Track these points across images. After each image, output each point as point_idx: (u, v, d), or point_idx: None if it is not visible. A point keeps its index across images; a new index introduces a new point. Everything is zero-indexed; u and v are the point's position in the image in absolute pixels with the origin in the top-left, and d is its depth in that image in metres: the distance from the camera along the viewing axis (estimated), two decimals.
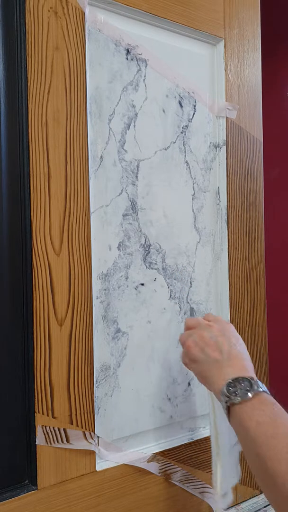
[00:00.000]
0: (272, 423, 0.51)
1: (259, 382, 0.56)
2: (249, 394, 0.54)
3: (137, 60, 0.71)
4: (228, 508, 0.78)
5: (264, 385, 0.56)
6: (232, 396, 0.54)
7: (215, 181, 0.81)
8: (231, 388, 0.55)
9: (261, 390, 0.54)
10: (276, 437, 0.49)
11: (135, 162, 0.71)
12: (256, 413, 0.52)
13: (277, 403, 0.54)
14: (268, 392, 0.56)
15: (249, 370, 0.58)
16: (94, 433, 0.64)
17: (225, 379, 0.57)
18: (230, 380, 0.56)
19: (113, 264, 0.68)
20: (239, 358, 0.59)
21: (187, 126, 0.77)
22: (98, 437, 0.65)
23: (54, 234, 0.61)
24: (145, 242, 0.72)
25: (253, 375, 0.58)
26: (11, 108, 0.60)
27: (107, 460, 0.66)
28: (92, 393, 0.64)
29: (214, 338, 0.61)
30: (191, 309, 0.77)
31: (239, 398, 0.54)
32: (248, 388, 0.54)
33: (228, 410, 0.55)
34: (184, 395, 0.76)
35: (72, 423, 0.62)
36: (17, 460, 0.60)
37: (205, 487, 0.75)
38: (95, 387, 0.66)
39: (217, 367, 0.59)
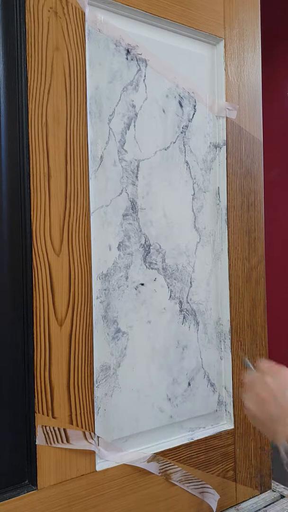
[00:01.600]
0: None
1: None
2: None
3: (137, 60, 0.71)
4: (228, 508, 0.78)
5: None
6: None
7: (215, 181, 0.81)
8: None
9: None
10: None
11: (135, 162, 0.71)
12: None
13: None
14: None
15: None
16: (94, 433, 0.64)
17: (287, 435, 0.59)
18: None
19: (113, 264, 0.68)
20: None
21: (187, 126, 0.77)
22: (98, 437, 0.65)
23: (54, 234, 0.61)
24: (145, 242, 0.72)
25: None
26: (11, 108, 0.60)
27: (107, 460, 0.66)
28: (92, 393, 0.64)
29: (275, 394, 0.61)
30: (192, 309, 0.77)
31: None
32: None
33: None
34: (184, 395, 0.76)
35: (72, 423, 0.62)
36: (17, 460, 0.60)
37: (205, 487, 0.75)
38: (95, 387, 0.66)
39: (278, 424, 0.60)
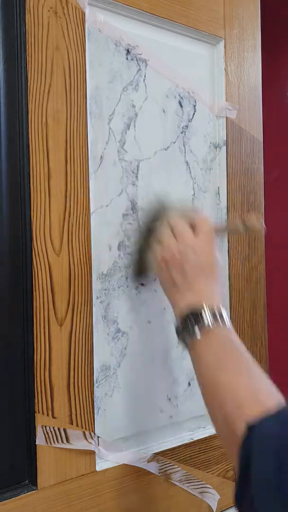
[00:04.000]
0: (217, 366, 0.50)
1: (215, 311, 0.52)
2: (197, 334, 0.51)
3: (137, 60, 0.71)
4: (228, 508, 0.78)
5: (222, 311, 0.53)
6: (183, 334, 0.53)
7: (215, 181, 0.81)
8: (182, 324, 0.53)
9: (213, 325, 0.52)
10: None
11: (135, 162, 0.71)
12: (203, 356, 0.51)
13: (228, 338, 0.52)
14: (226, 321, 0.53)
15: (207, 295, 0.54)
16: (94, 433, 0.64)
17: (181, 308, 0.54)
18: (184, 312, 0.53)
19: (113, 264, 0.68)
20: (202, 278, 0.55)
21: (187, 126, 0.77)
22: (98, 437, 0.65)
23: (54, 234, 0.61)
24: None
25: (213, 299, 0.54)
26: (11, 108, 0.60)
27: (107, 460, 0.66)
28: (92, 393, 0.64)
29: (182, 256, 0.56)
30: None
31: (188, 338, 0.52)
32: (198, 323, 0.52)
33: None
34: (184, 395, 0.76)
35: (72, 423, 0.62)
36: (17, 460, 0.60)
37: (205, 487, 0.75)
38: (95, 387, 0.66)
39: (177, 293, 0.56)
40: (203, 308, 0.53)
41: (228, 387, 0.48)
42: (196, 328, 0.52)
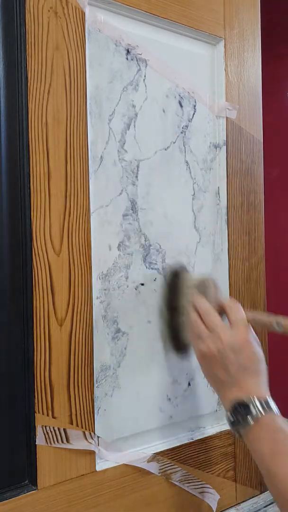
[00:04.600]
0: (272, 457, 0.52)
1: (262, 402, 0.55)
2: (250, 421, 0.53)
3: (137, 60, 0.71)
4: (228, 508, 0.78)
5: (269, 402, 0.55)
6: (235, 426, 0.55)
7: (215, 181, 0.81)
8: (232, 417, 0.55)
9: (262, 414, 0.54)
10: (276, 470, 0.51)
11: (135, 162, 0.71)
12: (256, 445, 0.53)
13: (278, 426, 0.54)
14: (273, 409, 0.55)
15: (253, 389, 0.56)
16: (94, 433, 0.64)
17: (228, 403, 0.56)
18: (231, 405, 0.56)
19: (113, 264, 0.68)
20: (246, 376, 0.57)
21: (187, 126, 0.77)
22: (98, 437, 0.65)
23: (54, 234, 0.61)
24: (145, 242, 0.72)
25: (260, 393, 0.56)
26: (11, 108, 0.60)
27: (107, 460, 0.66)
28: (92, 393, 0.64)
29: (222, 356, 0.58)
30: None
31: (241, 429, 0.54)
32: (247, 412, 0.54)
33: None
34: (184, 395, 0.76)
35: (72, 423, 0.62)
36: (17, 460, 0.60)
37: (205, 487, 0.75)
38: (95, 387, 0.66)
39: (223, 388, 0.58)
40: (251, 402, 0.55)
41: (284, 480, 0.50)
42: (246, 420, 0.54)
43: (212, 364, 0.59)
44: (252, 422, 0.54)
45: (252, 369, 0.58)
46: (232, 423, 0.56)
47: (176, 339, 0.71)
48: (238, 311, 0.61)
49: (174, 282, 0.71)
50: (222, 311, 0.62)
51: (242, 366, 0.57)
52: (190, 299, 0.65)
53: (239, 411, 0.55)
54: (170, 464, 0.71)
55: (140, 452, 0.70)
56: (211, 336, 0.59)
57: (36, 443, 0.60)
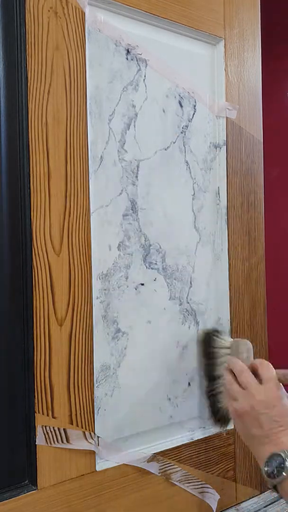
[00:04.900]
0: None
1: None
2: (284, 474, 0.55)
3: (137, 60, 0.71)
4: (228, 508, 0.78)
5: None
6: (271, 478, 0.56)
7: (215, 181, 0.81)
8: (268, 469, 0.56)
9: None
10: None
11: (135, 162, 0.71)
12: None
13: None
14: None
15: (286, 445, 0.58)
16: (94, 433, 0.64)
17: (263, 457, 0.58)
18: (267, 460, 0.57)
19: (113, 264, 0.68)
20: (279, 431, 0.59)
21: (187, 126, 0.77)
22: (98, 437, 0.65)
23: (54, 234, 0.61)
24: (145, 242, 0.72)
25: None
26: (11, 108, 0.60)
27: (107, 460, 0.66)
28: (92, 393, 0.64)
29: (255, 412, 0.60)
30: (192, 309, 0.77)
31: (278, 480, 0.55)
32: (282, 466, 0.55)
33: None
34: (184, 395, 0.76)
35: (72, 423, 0.62)
36: (17, 460, 0.60)
37: (205, 487, 0.75)
38: (95, 387, 0.66)
39: (257, 444, 0.60)
40: (286, 455, 0.56)
41: None
42: (281, 472, 0.55)
43: (246, 421, 0.61)
44: (286, 474, 0.55)
45: (283, 422, 0.60)
46: (268, 476, 0.58)
47: (216, 413, 0.74)
48: (268, 369, 0.64)
49: (209, 350, 0.74)
50: (254, 370, 0.64)
51: (274, 421, 0.59)
52: (225, 363, 0.68)
53: (274, 465, 0.56)
54: (170, 464, 0.71)
55: (140, 452, 0.70)
56: (244, 394, 0.62)
57: (36, 443, 0.60)
